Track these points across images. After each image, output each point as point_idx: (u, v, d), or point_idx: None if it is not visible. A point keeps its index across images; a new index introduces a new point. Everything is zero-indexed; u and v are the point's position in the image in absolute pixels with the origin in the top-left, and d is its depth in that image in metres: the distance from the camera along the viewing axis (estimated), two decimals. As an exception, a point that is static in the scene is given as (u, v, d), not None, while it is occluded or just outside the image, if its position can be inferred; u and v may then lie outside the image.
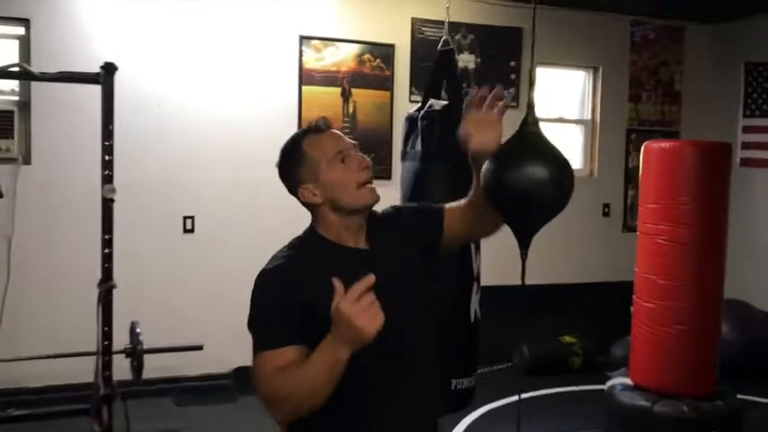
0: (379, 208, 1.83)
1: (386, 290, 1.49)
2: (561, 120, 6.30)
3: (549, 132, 1.67)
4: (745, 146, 6.04)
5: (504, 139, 1.70)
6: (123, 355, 3.64)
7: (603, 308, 5.86)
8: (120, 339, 3.65)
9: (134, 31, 4.89)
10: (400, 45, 5.57)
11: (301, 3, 5.30)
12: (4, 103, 4.69)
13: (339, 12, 5.41)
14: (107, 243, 3.55)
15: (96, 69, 3.55)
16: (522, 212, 1.60)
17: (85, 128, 4.32)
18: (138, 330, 3.68)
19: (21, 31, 4.70)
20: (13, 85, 4.76)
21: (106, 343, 3.53)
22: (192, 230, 5.08)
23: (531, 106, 1.65)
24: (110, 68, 3.51)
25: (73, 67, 3.91)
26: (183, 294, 5.03)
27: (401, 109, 5.28)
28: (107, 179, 3.50)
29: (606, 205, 6.37)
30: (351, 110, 5.41)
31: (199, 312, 5.00)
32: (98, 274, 3.56)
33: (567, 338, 5.80)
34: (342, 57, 5.39)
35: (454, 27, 5.46)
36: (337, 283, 1.46)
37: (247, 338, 1.67)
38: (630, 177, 6.34)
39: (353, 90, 5.42)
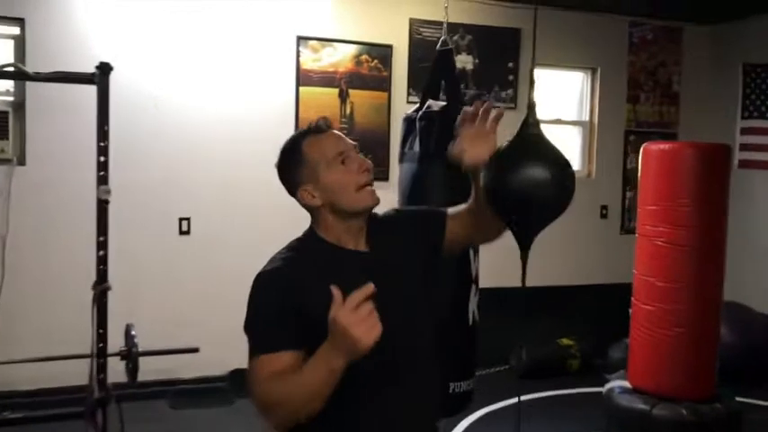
0: (377, 210, 1.80)
1: (386, 293, 1.46)
2: (559, 121, 6.28)
3: (547, 134, 1.64)
4: (744, 147, 6.01)
5: (504, 141, 1.68)
6: (118, 357, 3.60)
7: (601, 310, 5.85)
8: (116, 341, 3.61)
9: (131, 31, 4.86)
10: (398, 46, 5.55)
11: (298, 3, 5.27)
12: (-2, 104, 4.66)
13: (336, 12, 5.39)
14: (102, 245, 3.51)
15: (92, 69, 3.51)
16: (523, 215, 1.57)
17: (81, 128, 4.27)
18: (133, 333, 3.64)
19: (16, 30, 4.67)
20: (8, 85, 4.73)
21: (101, 345, 3.49)
22: (187, 232, 5.06)
23: (531, 107, 1.62)
24: (105, 68, 3.46)
25: (69, 68, 3.87)
26: (178, 296, 5.00)
27: (399, 110, 5.26)
28: (102, 180, 3.46)
29: (604, 207, 6.35)
30: (348, 111, 5.39)
31: (195, 314, 4.97)
32: (93, 276, 3.53)
33: (565, 341, 5.77)
34: (339, 57, 5.36)
35: (452, 28, 5.43)
36: (335, 291, 1.43)
37: (244, 341, 1.65)
38: (628, 179, 6.32)
39: (351, 91, 5.39)
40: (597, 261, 6.22)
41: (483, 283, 3.12)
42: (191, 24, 5.00)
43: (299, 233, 1.81)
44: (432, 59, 3.29)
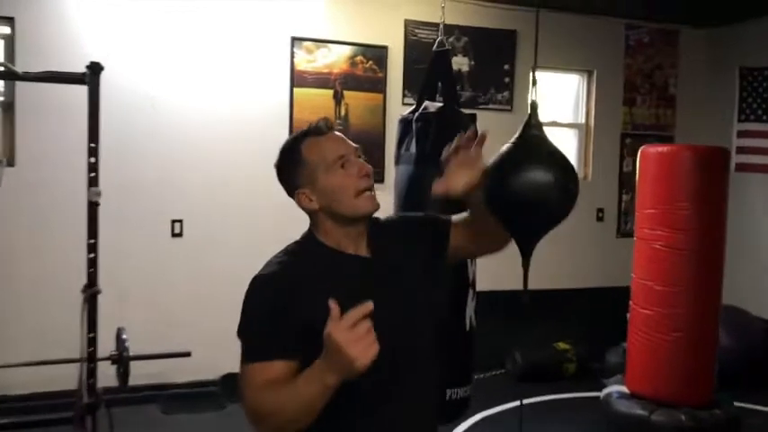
0: (378, 214, 1.75)
1: (386, 301, 1.42)
2: (555, 123, 6.24)
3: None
4: (740, 150, 5.98)
5: (505, 144, 1.64)
6: (109, 361, 3.55)
7: (597, 313, 5.81)
8: (107, 344, 3.56)
9: (124, 31, 4.81)
10: (393, 47, 5.50)
11: (293, 3, 5.23)
12: (-13, 104, 4.61)
13: (331, 13, 5.34)
14: (92, 247, 3.46)
15: (84, 69, 3.46)
16: (525, 220, 1.52)
17: (72, 129, 4.22)
18: (124, 337, 3.58)
19: (6, 29, 4.61)
20: (-2, 85, 4.67)
21: (91, 350, 3.43)
22: (180, 234, 5.00)
23: (534, 108, 1.58)
24: (95, 68, 3.41)
25: (61, 67, 3.81)
26: (170, 299, 4.95)
27: (394, 111, 5.22)
28: (92, 182, 3.41)
29: (600, 210, 6.31)
30: (343, 112, 5.34)
31: (187, 318, 4.92)
32: (84, 279, 3.48)
33: (562, 345, 5.73)
34: (334, 58, 5.31)
35: (447, 29, 5.33)
36: (333, 306, 1.37)
37: (236, 345, 1.60)
38: (625, 182, 6.29)
39: (346, 92, 5.35)
40: (593, 264, 6.18)
41: (478, 287, 3.06)
42: (184, 24, 4.95)
43: (293, 235, 1.76)
44: (427, 60, 3.24)
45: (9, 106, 4.63)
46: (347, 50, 5.35)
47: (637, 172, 4.29)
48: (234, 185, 5.05)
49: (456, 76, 5.42)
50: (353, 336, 1.35)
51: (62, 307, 4.20)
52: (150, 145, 4.89)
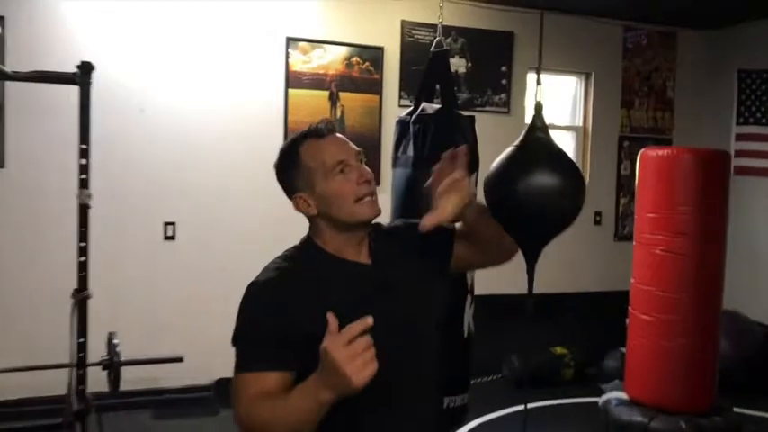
0: (379, 220, 1.70)
1: (386, 309, 1.36)
2: (552, 126, 6.19)
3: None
4: (739, 154, 5.95)
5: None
6: (100, 367, 3.48)
7: (595, 318, 5.77)
8: (98, 349, 3.50)
9: (116, 31, 4.74)
10: (389, 48, 5.44)
11: (288, 3, 5.16)
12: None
13: (327, 13, 5.28)
14: (82, 251, 3.39)
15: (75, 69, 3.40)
16: (532, 226, 1.46)
17: (63, 130, 4.16)
18: (115, 341, 3.52)
19: (-4, 29, 4.54)
20: (-12, 85, 4.59)
21: (81, 355, 3.37)
22: (172, 237, 4.93)
23: (539, 109, 1.52)
24: (86, 68, 3.34)
25: (52, 67, 3.75)
26: (163, 303, 4.89)
27: (390, 113, 5.18)
28: (83, 184, 3.34)
29: (598, 213, 6.26)
30: (338, 114, 5.28)
31: (179, 322, 4.86)
32: (75, 282, 3.41)
33: (559, 349, 5.67)
34: (329, 59, 5.25)
35: (445, 30, 5.28)
36: (330, 319, 1.32)
37: (230, 349, 1.55)
38: (622, 185, 6.25)
39: (341, 94, 5.28)
40: (591, 268, 6.13)
41: (475, 291, 3.01)
42: (177, 24, 4.89)
43: (290, 237, 1.71)
44: (424, 62, 3.19)
45: (-1, 106, 4.56)
46: (343, 51, 5.29)
47: (636, 175, 4.24)
48: (229, 187, 4.99)
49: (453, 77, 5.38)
50: (350, 352, 1.30)
51: (52, 311, 4.14)
52: (143, 146, 4.82)
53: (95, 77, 3.34)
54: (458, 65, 5.63)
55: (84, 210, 3.36)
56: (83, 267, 3.40)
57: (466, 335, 2.90)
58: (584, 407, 4.91)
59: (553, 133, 6.05)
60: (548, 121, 1.60)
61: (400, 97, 5.43)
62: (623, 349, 4.51)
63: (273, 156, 1.70)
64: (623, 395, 4.16)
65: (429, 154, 2.79)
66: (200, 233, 4.98)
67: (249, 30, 5.07)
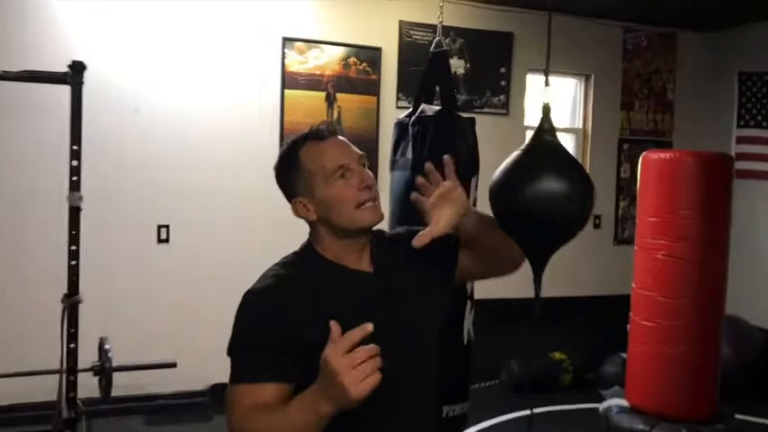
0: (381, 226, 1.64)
1: (387, 318, 1.32)
2: (551, 128, 6.13)
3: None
4: (739, 157, 5.90)
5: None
6: (91, 373, 3.41)
7: (594, 323, 5.71)
8: (90, 354, 3.43)
9: (108, 30, 4.68)
10: (387, 48, 5.37)
11: (284, 3, 5.10)
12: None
13: (323, 13, 5.22)
14: (73, 254, 3.32)
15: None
16: (539, 232, 1.39)
17: (53, 131, 4.07)
18: (107, 347, 3.45)
19: (-14, 27, 4.46)
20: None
21: (71, 362, 3.29)
22: (166, 240, 4.86)
23: (546, 111, 1.45)
24: (78, 67, 3.28)
25: (43, 67, 3.67)
26: (156, 308, 4.82)
27: (388, 115, 5.13)
28: (74, 186, 3.27)
29: (597, 217, 6.20)
30: (335, 115, 5.21)
31: (173, 327, 4.80)
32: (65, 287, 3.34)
33: (558, 355, 5.61)
34: (326, 60, 5.18)
35: (443, 31, 5.25)
36: (333, 326, 1.26)
37: (224, 354, 1.50)
38: (622, 188, 6.19)
39: (338, 95, 5.21)
40: (590, 272, 6.06)
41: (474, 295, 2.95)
42: (172, 24, 4.82)
43: (287, 240, 1.67)
44: (422, 62, 3.13)
45: (-11, 107, 4.48)
46: (340, 51, 5.22)
47: (638, 178, 4.17)
48: (224, 189, 4.92)
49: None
50: (349, 362, 1.23)
51: (42, 316, 4.06)
52: (136, 147, 4.76)
53: (88, 77, 3.27)
54: (456, 66, 5.57)
55: (75, 212, 3.29)
56: (74, 271, 3.33)
57: (466, 342, 2.84)
58: (583, 413, 4.85)
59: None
60: (547, 122, 1.56)
61: (398, 98, 5.37)
62: (623, 355, 4.45)
63: (269, 157, 1.64)
64: (624, 402, 4.10)
65: (428, 157, 2.72)
66: (195, 236, 4.91)
67: (244, 29, 5.00)
